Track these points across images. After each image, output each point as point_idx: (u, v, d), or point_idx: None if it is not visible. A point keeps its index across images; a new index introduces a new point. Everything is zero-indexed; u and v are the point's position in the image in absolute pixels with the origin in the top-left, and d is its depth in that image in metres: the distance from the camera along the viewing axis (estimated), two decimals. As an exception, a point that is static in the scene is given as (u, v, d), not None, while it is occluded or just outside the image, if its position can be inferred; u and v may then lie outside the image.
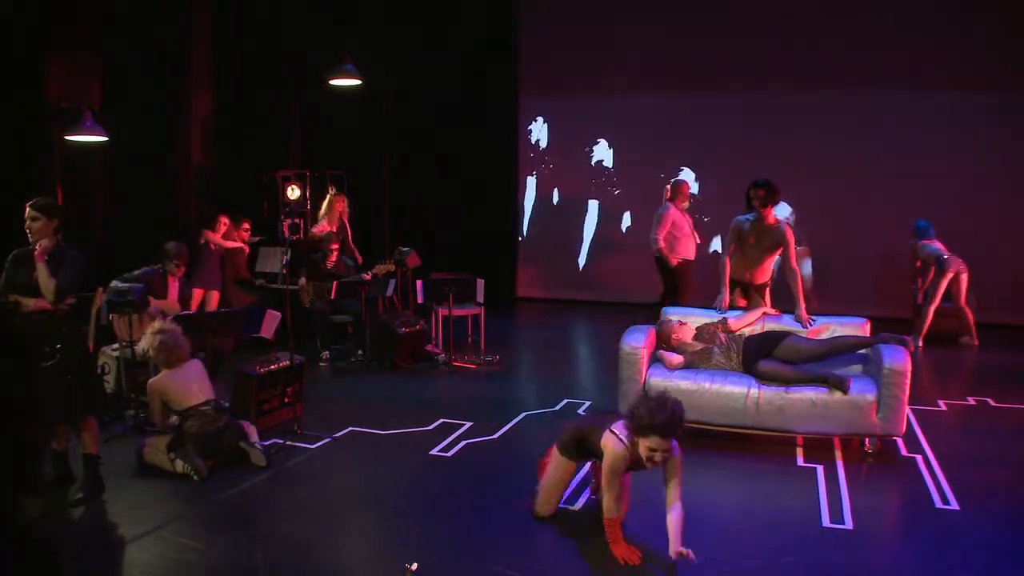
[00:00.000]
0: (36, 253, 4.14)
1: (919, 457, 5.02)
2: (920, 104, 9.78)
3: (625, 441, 3.62)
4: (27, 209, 4.20)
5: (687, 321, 5.64)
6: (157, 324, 4.90)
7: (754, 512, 4.20)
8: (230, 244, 8.04)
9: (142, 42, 8.55)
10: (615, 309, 10.65)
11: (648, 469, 3.61)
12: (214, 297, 7.86)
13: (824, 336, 5.41)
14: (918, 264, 8.69)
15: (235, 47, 9.40)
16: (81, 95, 7.76)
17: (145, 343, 4.85)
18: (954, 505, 4.28)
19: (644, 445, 3.52)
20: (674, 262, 8.19)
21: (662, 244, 8.15)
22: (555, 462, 4.00)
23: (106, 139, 7.25)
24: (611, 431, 3.68)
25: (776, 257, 6.13)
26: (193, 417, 4.68)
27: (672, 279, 8.26)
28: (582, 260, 11.48)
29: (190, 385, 4.78)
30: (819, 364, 5.19)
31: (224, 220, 8.07)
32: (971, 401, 6.42)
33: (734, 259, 6.06)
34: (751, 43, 10.23)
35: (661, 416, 3.45)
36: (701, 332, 5.53)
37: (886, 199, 9.84)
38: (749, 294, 6.15)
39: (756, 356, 5.20)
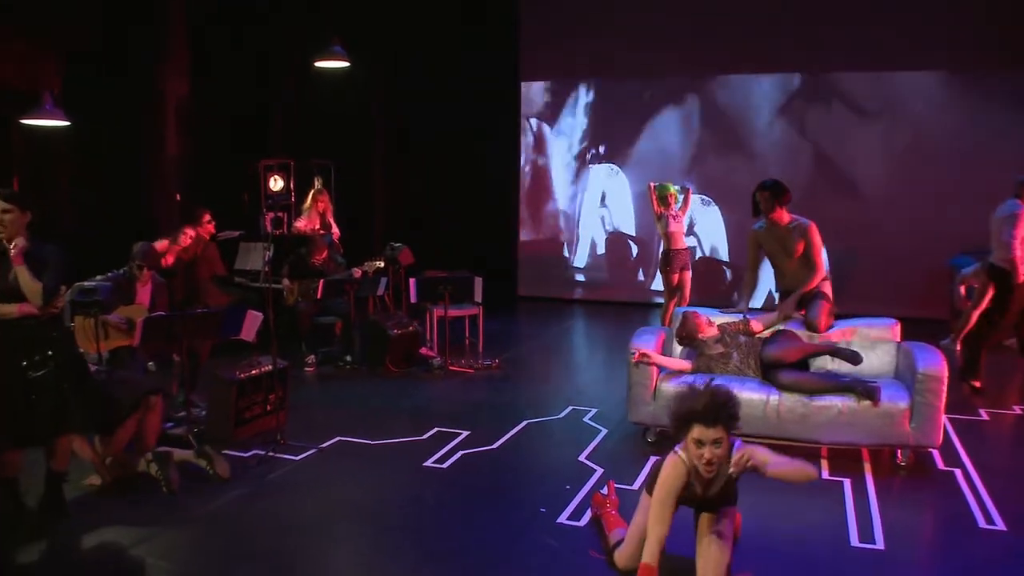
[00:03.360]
0: (12, 255, 3.82)
1: (958, 471, 4.81)
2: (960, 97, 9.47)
3: (679, 451, 3.28)
4: None
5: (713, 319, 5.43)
6: None
7: (776, 529, 4.02)
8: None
9: (114, 20, 8.15)
10: (620, 309, 10.59)
11: (704, 482, 3.28)
12: None
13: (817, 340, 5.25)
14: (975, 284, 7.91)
15: (214, 27, 9.05)
16: (42, 77, 7.39)
17: None
18: (999, 525, 4.07)
19: (690, 439, 3.21)
20: (1021, 277, 6.61)
21: (1018, 253, 6.56)
22: (642, 504, 3.49)
23: (68, 123, 6.87)
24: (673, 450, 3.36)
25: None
26: None
27: (1008, 294, 6.75)
28: (586, 258, 11.34)
29: None
30: (844, 374, 4.97)
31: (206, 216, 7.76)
32: (1017, 410, 6.19)
33: (765, 269, 5.79)
34: (765, 27, 10.01)
35: (701, 400, 3.20)
36: (722, 332, 5.34)
37: (924, 196, 9.51)
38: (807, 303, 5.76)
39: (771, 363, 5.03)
